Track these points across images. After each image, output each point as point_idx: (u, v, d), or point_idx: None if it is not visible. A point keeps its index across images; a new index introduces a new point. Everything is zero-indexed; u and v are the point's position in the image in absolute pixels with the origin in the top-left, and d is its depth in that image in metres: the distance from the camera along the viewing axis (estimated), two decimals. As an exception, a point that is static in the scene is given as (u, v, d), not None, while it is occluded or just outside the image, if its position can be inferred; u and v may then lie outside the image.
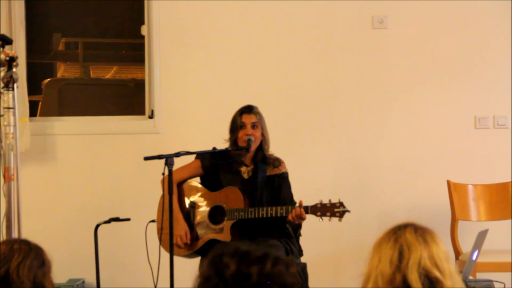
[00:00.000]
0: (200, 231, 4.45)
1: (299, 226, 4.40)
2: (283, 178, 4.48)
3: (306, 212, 4.16)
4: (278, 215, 4.22)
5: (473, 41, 5.58)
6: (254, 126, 4.43)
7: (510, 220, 5.28)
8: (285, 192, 4.45)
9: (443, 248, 2.33)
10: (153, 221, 4.52)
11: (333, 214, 4.13)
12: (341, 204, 4.14)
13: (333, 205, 4.13)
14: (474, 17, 5.57)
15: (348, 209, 4.13)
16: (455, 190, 5.24)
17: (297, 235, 4.46)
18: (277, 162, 4.50)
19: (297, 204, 4.18)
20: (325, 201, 4.15)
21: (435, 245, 2.30)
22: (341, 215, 4.13)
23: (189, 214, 4.50)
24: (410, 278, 2.24)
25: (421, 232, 2.32)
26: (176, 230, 4.33)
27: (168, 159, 4.07)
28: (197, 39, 5.58)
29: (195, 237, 4.45)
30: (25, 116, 5.37)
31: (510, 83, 5.53)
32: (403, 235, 2.31)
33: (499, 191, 5.34)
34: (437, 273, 2.26)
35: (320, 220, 4.16)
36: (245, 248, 1.79)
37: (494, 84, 5.57)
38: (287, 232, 4.40)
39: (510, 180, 5.37)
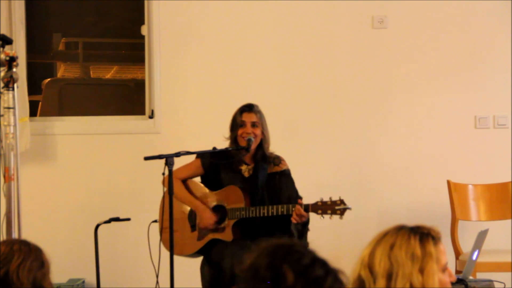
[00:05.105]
0: (201, 230, 4.45)
1: (306, 222, 4.36)
2: (285, 176, 4.47)
3: (307, 210, 4.15)
4: (279, 213, 4.21)
5: (473, 41, 5.58)
6: (254, 125, 4.41)
7: (510, 220, 5.28)
8: (289, 190, 4.44)
9: (403, 259, 2.21)
10: (155, 221, 4.51)
11: (334, 212, 4.12)
12: (341, 201, 4.13)
13: (333, 203, 4.12)
14: (474, 17, 5.57)
15: (349, 206, 4.12)
16: (455, 190, 5.24)
17: (305, 229, 4.43)
18: (278, 160, 4.50)
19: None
20: (326, 199, 4.15)
21: (388, 250, 2.21)
22: (342, 212, 4.12)
23: (191, 213, 4.50)
24: (353, 272, 2.22)
25: (395, 235, 2.26)
26: (201, 215, 4.38)
27: (168, 159, 4.07)
28: (197, 39, 5.58)
29: (196, 237, 4.45)
30: (25, 116, 5.36)
31: (510, 83, 5.53)
32: (384, 236, 2.27)
33: (499, 191, 5.34)
34: (368, 275, 2.19)
35: (321, 218, 4.15)
36: (308, 262, 1.69)
37: (494, 84, 5.57)
38: (290, 232, 4.38)
39: (510, 180, 5.37)
